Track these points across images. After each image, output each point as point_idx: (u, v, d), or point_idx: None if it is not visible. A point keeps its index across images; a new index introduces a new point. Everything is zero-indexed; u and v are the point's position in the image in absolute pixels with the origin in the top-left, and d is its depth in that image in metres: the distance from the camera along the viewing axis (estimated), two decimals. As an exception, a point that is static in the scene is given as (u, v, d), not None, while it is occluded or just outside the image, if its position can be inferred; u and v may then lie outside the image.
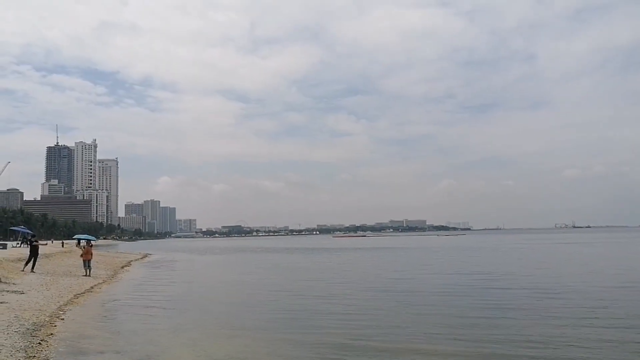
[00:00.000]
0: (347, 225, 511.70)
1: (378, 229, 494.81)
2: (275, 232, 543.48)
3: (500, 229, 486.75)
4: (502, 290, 21.06)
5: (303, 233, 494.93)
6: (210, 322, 14.54)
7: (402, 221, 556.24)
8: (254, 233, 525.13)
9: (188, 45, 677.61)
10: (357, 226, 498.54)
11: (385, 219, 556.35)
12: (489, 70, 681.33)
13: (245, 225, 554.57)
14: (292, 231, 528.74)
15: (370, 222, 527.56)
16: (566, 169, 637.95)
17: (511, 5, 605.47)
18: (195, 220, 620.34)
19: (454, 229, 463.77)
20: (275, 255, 64.69)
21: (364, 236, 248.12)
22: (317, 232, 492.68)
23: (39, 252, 28.19)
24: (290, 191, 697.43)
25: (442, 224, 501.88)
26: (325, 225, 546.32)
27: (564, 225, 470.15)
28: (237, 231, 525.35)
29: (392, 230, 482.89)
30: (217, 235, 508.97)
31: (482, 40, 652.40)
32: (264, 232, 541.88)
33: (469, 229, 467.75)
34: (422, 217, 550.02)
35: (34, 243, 27.93)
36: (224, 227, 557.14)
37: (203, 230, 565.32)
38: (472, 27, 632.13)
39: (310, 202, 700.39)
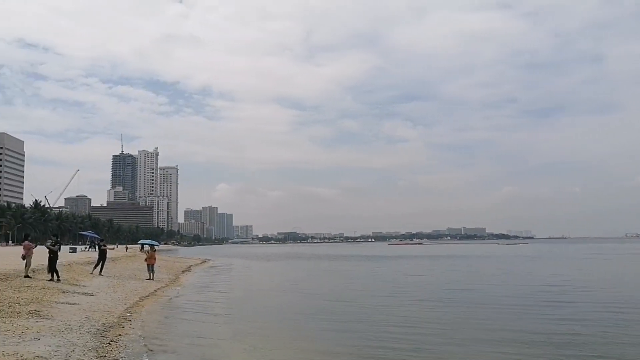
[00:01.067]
0: (403, 233, 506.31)
1: (435, 236, 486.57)
2: (330, 238, 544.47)
3: (565, 237, 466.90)
4: (578, 305, 19.23)
5: (358, 240, 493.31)
6: (269, 329, 14.64)
7: (460, 229, 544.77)
8: (309, 239, 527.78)
9: (245, 54, 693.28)
10: (414, 233, 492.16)
11: (442, 227, 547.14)
12: (553, 73, 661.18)
13: (301, 232, 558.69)
14: (347, 238, 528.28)
15: (426, 230, 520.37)
16: (637, 176, 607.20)
17: (577, 5, 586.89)
18: (251, 226, 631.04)
19: (515, 237, 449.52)
20: (331, 262, 64.64)
21: (420, 244, 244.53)
22: (373, 239, 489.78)
23: (107, 256, 29.24)
24: (345, 198, 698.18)
25: (503, 232, 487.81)
26: (380, 232, 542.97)
27: (635, 235, 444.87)
28: (292, 237, 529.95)
29: (449, 238, 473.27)
30: (272, 241, 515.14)
31: (545, 42, 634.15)
32: (319, 238, 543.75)
33: (531, 238, 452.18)
34: (481, 224, 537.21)
35: (102, 247, 28.99)
36: (279, 233, 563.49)
37: (259, 236, 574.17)
38: (534, 29, 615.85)
39: (365, 208, 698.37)
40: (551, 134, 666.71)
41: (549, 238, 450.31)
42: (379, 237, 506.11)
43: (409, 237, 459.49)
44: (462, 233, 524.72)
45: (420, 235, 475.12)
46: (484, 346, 11.99)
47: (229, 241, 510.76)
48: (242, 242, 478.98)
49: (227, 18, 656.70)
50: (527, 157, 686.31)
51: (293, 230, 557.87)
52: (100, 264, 27.48)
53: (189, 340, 12.19)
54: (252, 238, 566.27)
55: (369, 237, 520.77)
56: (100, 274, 26.67)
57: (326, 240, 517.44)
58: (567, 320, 15.58)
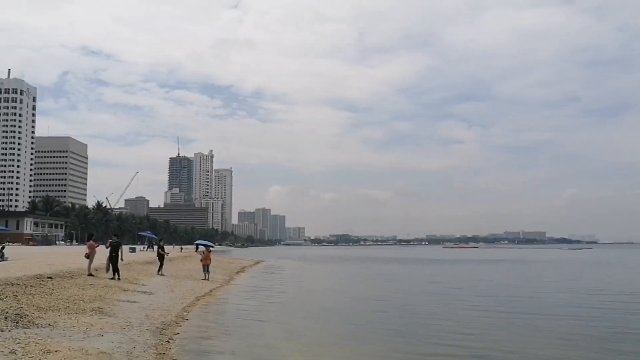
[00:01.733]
0: (458, 236, 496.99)
1: (491, 240, 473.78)
2: (383, 241, 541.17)
3: (632, 243, 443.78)
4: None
5: (412, 243, 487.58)
6: (323, 331, 14.58)
7: (519, 232, 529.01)
8: (362, 242, 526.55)
9: (298, 57, 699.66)
10: (469, 237, 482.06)
11: (499, 230, 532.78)
12: (619, 70, 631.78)
13: (353, 234, 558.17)
14: (400, 241, 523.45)
15: (482, 233, 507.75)
16: None
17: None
18: (304, 228, 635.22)
19: (578, 241, 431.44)
20: (385, 265, 64.12)
21: (476, 248, 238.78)
22: (426, 243, 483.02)
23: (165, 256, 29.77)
24: (398, 200, 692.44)
25: (564, 237, 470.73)
26: (434, 235, 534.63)
27: None
28: (344, 240, 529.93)
29: (507, 242, 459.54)
30: (325, 243, 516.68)
31: (610, 37, 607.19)
32: (372, 241, 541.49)
33: (595, 242, 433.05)
34: (540, 228, 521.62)
35: (163, 248, 29.54)
36: (332, 235, 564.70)
37: (311, 238, 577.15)
38: (598, 25, 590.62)
39: (419, 211, 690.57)
40: (617, 133, 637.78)
41: (614, 243, 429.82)
42: (433, 241, 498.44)
43: (464, 240, 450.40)
44: (521, 237, 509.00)
45: (476, 239, 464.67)
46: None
47: (282, 243, 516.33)
48: (294, 244, 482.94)
49: (280, 21, 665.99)
50: (590, 158, 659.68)
51: (345, 233, 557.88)
52: (160, 264, 28.12)
53: (244, 341, 12.28)
54: (305, 240, 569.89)
55: (422, 240, 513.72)
56: (158, 274, 27.29)
57: (379, 243, 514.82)
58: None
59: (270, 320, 16.20)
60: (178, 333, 12.20)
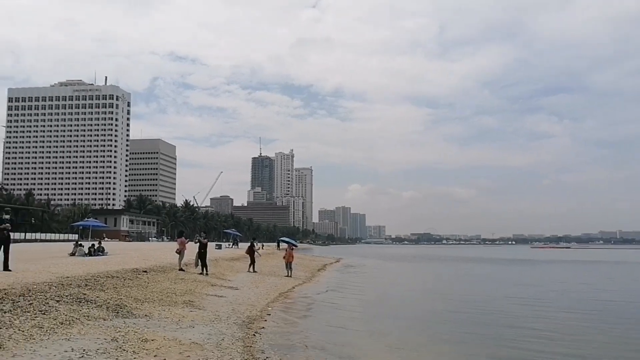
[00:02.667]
0: (548, 236, 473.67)
1: (585, 240, 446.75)
2: (467, 240, 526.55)
3: None
4: None
5: (497, 243, 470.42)
6: (406, 329, 14.44)
7: (615, 232, 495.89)
8: (444, 241, 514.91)
9: (377, 54, 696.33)
10: (560, 237, 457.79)
11: (593, 230, 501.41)
12: None
13: (435, 233, 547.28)
14: (484, 240, 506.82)
15: (575, 233, 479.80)
16: None
17: None
18: (384, 227, 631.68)
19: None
20: (468, 265, 62.37)
21: (568, 248, 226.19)
22: (513, 242, 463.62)
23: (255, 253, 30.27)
24: (482, 198, 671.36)
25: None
26: (522, 234, 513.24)
27: None
28: (426, 239, 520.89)
29: (602, 242, 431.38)
30: (406, 242, 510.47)
31: None
32: (454, 240, 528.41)
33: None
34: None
35: (254, 246, 30.31)
36: (412, 234, 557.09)
37: (392, 236, 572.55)
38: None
39: (505, 209, 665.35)
40: None
41: None
42: (520, 240, 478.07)
43: (555, 240, 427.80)
44: (618, 237, 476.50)
45: (567, 239, 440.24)
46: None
47: (362, 241, 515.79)
48: (374, 243, 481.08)
49: (359, 19, 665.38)
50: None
51: (427, 231, 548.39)
52: (251, 261, 28.87)
53: (327, 338, 12.41)
54: (385, 238, 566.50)
55: (508, 239, 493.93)
56: (250, 271, 27.98)
57: (462, 242, 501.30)
58: None
59: (353, 318, 16.26)
60: (263, 327, 12.54)
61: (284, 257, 30.02)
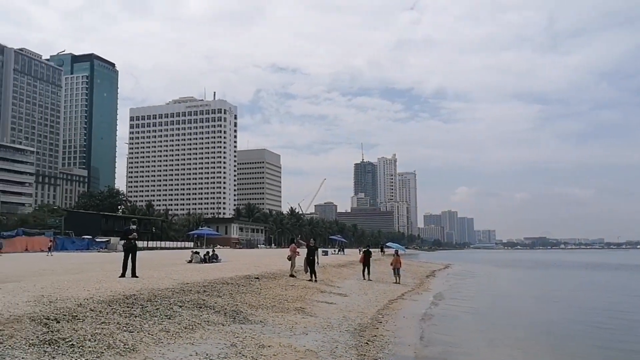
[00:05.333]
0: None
1: None
2: (587, 244, 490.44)
3: None
4: None
5: (623, 247, 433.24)
6: (526, 340, 13.60)
7: None
8: (561, 245, 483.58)
9: (480, 52, 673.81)
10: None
11: None
12: None
13: (551, 237, 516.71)
14: (608, 244, 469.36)
15: None
16: None
17: None
18: (494, 231, 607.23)
19: None
20: (590, 272, 57.89)
21: None
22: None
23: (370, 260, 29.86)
24: (604, 199, 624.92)
25: None
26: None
27: None
28: (541, 243, 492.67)
29: None
30: (518, 247, 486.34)
31: None
32: (573, 244, 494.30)
33: None
34: None
35: (369, 250, 30.11)
36: (526, 238, 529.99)
37: (503, 241, 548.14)
38: None
39: (630, 211, 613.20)
40: None
41: None
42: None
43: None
44: None
45: None
46: None
47: (471, 246, 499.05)
48: (484, 248, 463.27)
49: (459, 17, 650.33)
50: None
51: (542, 235, 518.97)
52: (367, 268, 28.65)
53: (442, 347, 11.98)
54: (496, 243, 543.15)
55: (637, 243, 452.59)
56: (364, 279, 27.88)
57: (582, 247, 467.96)
58: None
59: (468, 327, 15.62)
60: (375, 335, 12.37)
61: (391, 263, 29.64)
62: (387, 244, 62.55)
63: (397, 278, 28.56)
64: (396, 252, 31.19)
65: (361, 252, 31.42)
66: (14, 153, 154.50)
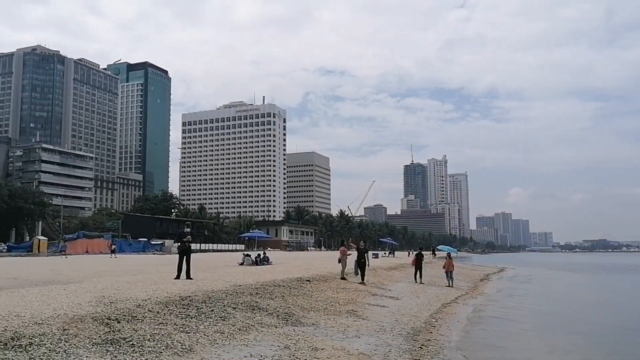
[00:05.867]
0: None
1: None
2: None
3: None
4: None
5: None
6: (590, 348, 13.03)
7: None
8: (623, 248, 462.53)
9: (534, 49, 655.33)
10: None
11: None
12: None
13: (612, 239, 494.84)
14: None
15: None
16: None
17: None
18: (550, 233, 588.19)
19: None
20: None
21: None
22: None
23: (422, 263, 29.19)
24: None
25: None
26: None
27: None
28: (601, 245, 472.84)
29: None
30: (577, 249, 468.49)
31: None
32: (636, 247, 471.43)
33: None
34: None
35: (421, 253, 29.76)
36: (585, 241, 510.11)
37: (560, 244, 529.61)
38: None
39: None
40: None
41: None
42: None
43: None
44: None
45: None
46: None
47: (526, 249, 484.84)
48: (540, 250, 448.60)
49: (511, 14, 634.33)
50: None
51: (602, 238, 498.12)
52: (418, 271, 28.34)
53: (500, 353, 11.67)
54: (553, 246, 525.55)
55: None
56: (417, 282, 27.57)
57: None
58: None
59: (525, 332, 15.13)
60: (429, 340, 12.15)
61: (444, 266, 29.12)
62: (438, 247, 61.52)
63: (450, 281, 28.03)
64: (448, 254, 30.55)
65: (413, 255, 31.07)
66: (75, 159, 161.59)
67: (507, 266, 72.57)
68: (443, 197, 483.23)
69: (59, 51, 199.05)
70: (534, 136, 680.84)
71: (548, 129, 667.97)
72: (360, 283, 22.01)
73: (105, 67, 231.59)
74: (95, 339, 7.70)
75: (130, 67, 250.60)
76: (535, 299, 26.31)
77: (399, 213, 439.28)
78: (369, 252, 34.20)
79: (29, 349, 6.74)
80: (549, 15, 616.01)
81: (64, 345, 7.14)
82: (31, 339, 7.11)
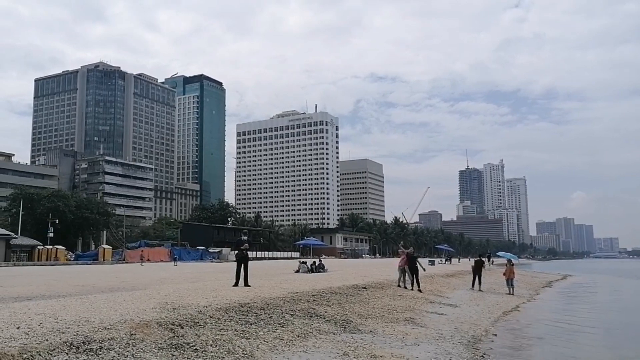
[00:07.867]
0: None
1: None
2: None
3: None
4: None
5: None
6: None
7: None
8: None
9: (594, 47, 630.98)
10: None
11: None
12: None
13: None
14: None
15: None
16: None
17: None
18: (616, 238, 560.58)
19: None
20: None
21: None
22: None
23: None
24: None
25: None
26: None
27: None
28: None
29: None
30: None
31: None
32: None
33: None
34: None
35: (480, 259, 29.07)
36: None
37: (627, 249, 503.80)
38: None
39: None
40: None
41: None
42: None
43: None
44: None
45: None
46: None
47: (590, 255, 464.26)
48: (605, 257, 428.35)
49: (568, 12, 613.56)
50: None
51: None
52: (477, 278, 27.66)
53: (566, 363, 11.21)
54: (619, 252, 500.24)
55: None
56: (473, 289, 26.97)
57: None
58: None
59: (593, 342, 14.47)
60: (491, 348, 11.84)
61: (504, 273, 28.31)
62: (497, 254, 59.83)
63: (511, 289, 27.21)
64: (509, 261, 29.63)
65: (472, 261, 30.40)
66: (136, 171, 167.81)
67: (570, 273, 69.73)
68: (500, 203, 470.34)
69: (119, 67, 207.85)
70: (596, 138, 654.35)
71: (612, 130, 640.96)
72: (418, 290, 21.67)
73: (163, 80, 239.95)
74: (161, 343, 7.94)
75: (187, 80, 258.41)
76: (602, 308, 25.12)
77: (455, 219, 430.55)
78: (426, 259, 33.65)
79: (100, 353, 7.03)
80: (608, 11, 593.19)
81: (132, 349, 7.41)
82: (101, 343, 7.42)
